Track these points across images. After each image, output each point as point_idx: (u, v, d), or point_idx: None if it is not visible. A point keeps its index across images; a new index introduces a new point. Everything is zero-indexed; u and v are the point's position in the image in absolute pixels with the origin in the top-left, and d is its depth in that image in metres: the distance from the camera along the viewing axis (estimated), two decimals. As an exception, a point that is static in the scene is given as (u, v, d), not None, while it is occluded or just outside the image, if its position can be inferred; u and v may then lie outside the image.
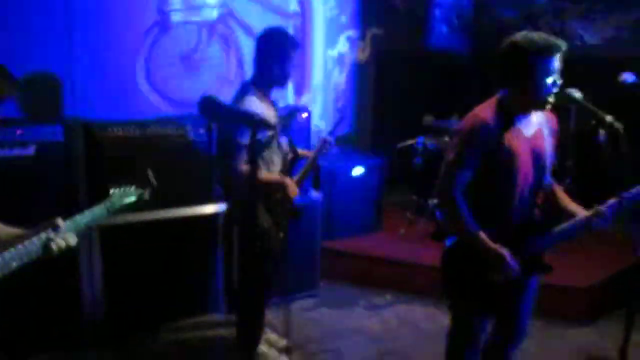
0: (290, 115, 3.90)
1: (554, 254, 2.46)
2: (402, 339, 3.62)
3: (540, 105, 2.30)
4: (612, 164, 2.21)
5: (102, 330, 3.40)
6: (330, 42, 4.93)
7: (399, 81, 5.18)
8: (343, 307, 4.04)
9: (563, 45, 2.23)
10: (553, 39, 2.23)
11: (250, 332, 3.18)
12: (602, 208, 2.30)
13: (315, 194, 4.06)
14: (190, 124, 3.57)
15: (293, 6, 4.64)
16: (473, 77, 5.17)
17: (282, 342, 3.42)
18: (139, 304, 3.48)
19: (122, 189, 2.04)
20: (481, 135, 2.26)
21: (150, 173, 2.11)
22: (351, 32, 5.04)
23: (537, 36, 2.24)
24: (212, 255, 3.73)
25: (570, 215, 2.43)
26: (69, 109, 3.72)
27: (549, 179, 2.55)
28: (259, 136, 2.84)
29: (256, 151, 2.85)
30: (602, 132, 2.24)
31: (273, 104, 3.03)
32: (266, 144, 2.93)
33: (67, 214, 3.28)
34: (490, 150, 2.27)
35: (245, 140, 2.76)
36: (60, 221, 1.76)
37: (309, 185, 4.05)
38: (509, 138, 2.28)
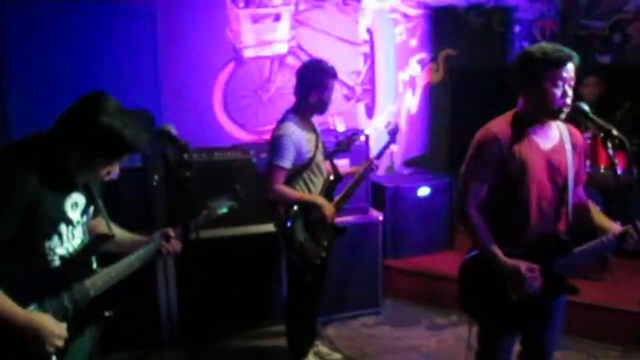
0: (349, 138, 4.09)
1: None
2: (453, 359, 3.59)
3: (551, 115, 2.27)
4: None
5: (176, 334, 3.81)
6: (401, 65, 5.05)
7: (475, 101, 5.12)
8: (404, 325, 4.08)
9: (575, 56, 2.22)
10: (566, 50, 2.22)
11: (297, 342, 3.38)
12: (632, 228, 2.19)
13: (375, 214, 4.18)
14: (254, 150, 3.91)
15: (361, 34, 4.85)
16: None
17: (334, 356, 3.58)
18: (210, 313, 3.84)
19: (216, 201, 2.32)
20: (488, 147, 2.28)
21: (238, 188, 2.39)
22: (422, 55, 5.12)
23: (550, 46, 2.25)
24: (276, 269, 4.00)
25: (603, 232, 2.34)
26: (156, 139, 4.24)
27: (580, 194, 2.48)
28: (297, 158, 3.11)
29: (296, 172, 3.14)
30: (609, 145, 2.16)
31: (313, 129, 3.25)
32: (305, 166, 3.15)
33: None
34: (501, 163, 2.27)
35: (282, 162, 3.04)
36: (171, 231, 2.11)
37: (369, 204, 4.19)
38: (521, 150, 2.27)
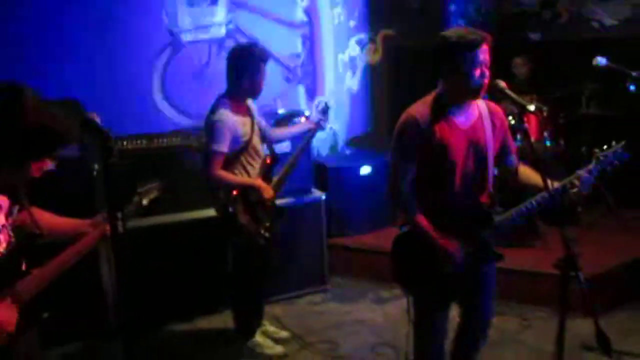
0: (288, 118, 4.15)
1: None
2: (399, 331, 3.72)
3: (470, 95, 2.39)
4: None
5: (124, 324, 3.79)
6: (340, 46, 5.11)
7: (414, 80, 5.23)
8: (351, 301, 4.21)
9: (488, 37, 2.33)
10: (480, 33, 2.34)
11: (244, 323, 3.45)
12: (555, 187, 2.33)
13: (317, 193, 4.26)
14: (194, 135, 3.91)
15: (300, 16, 4.87)
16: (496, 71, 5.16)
17: (282, 334, 3.66)
18: (157, 300, 3.84)
19: (146, 186, 2.30)
20: (409, 129, 2.40)
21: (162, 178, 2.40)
22: (361, 35, 5.19)
23: (465, 30, 2.38)
24: (222, 253, 4.01)
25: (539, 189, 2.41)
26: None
27: (512, 161, 2.61)
28: (234, 142, 3.14)
29: (233, 157, 3.17)
30: (524, 119, 2.29)
31: (248, 112, 3.28)
32: (242, 150, 3.19)
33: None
34: (423, 143, 2.38)
35: (219, 147, 3.07)
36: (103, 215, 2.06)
37: (310, 184, 4.27)
38: (441, 130, 2.38)
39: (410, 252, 2.53)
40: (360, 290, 4.36)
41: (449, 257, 2.40)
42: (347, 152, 5.15)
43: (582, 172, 2.35)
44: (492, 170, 2.52)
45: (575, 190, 2.35)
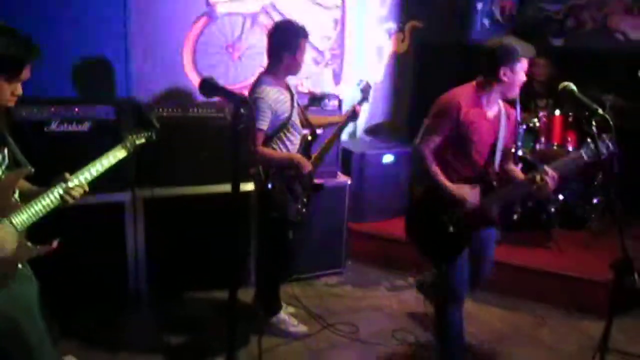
0: (319, 100, 4.16)
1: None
2: (415, 318, 3.82)
3: (509, 97, 2.88)
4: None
5: (144, 293, 3.79)
6: (370, 33, 5.11)
7: (438, 73, 5.28)
8: (366, 286, 4.28)
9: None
10: (532, 47, 2.78)
11: (270, 300, 3.48)
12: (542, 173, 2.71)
13: (342, 178, 4.29)
14: (229, 108, 3.88)
15: (334, -1, 4.85)
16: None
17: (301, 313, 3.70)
18: (178, 273, 3.85)
19: (134, 134, 2.42)
20: (450, 110, 2.80)
21: (153, 118, 2.53)
22: (391, 25, 5.20)
23: (520, 42, 2.77)
24: (247, 230, 4.01)
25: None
26: (125, 91, 4.09)
27: (507, 153, 3.04)
28: (275, 119, 3.14)
29: (273, 133, 3.18)
30: (594, 123, 2.38)
31: (288, 89, 3.30)
32: (283, 126, 3.20)
33: (116, 183, 3.63)
34: (457, 122, 2.79)
35: (260, 125, 3.08)
36: (67, 175, 2.13)
37: (337, 168, 4.29)
38: (474, 115, 2.81)
39: (424, 210, 2.95)
40: (374, 276, 4.43)
41: (463, 197, 2.82)
42: (367, 139, 5.19)
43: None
44: (500, 154, 2.96)
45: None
